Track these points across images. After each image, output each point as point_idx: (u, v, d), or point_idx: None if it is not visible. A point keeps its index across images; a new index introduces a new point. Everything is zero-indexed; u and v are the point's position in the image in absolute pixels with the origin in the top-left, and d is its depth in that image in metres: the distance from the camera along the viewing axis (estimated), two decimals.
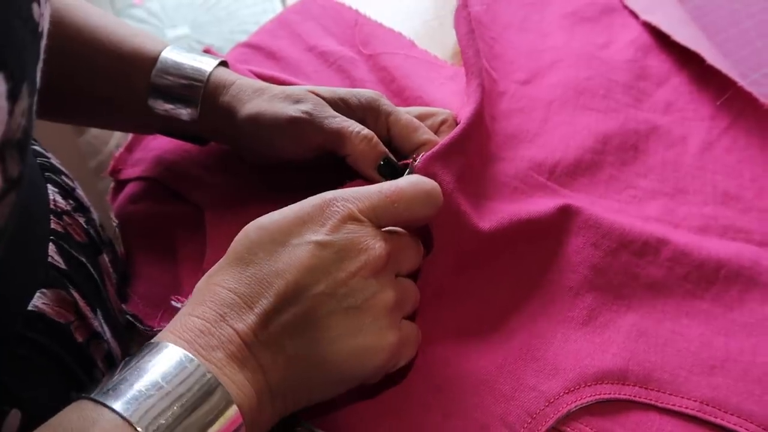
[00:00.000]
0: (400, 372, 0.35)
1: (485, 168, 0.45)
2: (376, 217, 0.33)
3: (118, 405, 0.25)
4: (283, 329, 0.29)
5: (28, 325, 0.31)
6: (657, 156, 0.47)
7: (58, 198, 0.38)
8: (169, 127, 0.43)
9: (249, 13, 1.31)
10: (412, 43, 0.58)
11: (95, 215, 0.44)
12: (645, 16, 0.59)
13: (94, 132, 0.87)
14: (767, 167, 0.47)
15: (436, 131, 0.42)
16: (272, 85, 0.42)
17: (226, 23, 1.23)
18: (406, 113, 0.41)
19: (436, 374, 0.36)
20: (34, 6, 0.25)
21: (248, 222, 0.32)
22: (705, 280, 0.40)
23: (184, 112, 0.41)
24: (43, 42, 0.27)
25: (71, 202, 0.40)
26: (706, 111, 0.52)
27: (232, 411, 0.27)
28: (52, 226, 0.36)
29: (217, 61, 0.42)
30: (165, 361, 0.27)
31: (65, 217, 0.38)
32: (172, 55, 0.41)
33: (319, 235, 0.31)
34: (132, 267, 0.44)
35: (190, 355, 0.27)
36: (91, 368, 0.35)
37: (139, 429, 0.25)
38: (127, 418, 0.25)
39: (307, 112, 0.39)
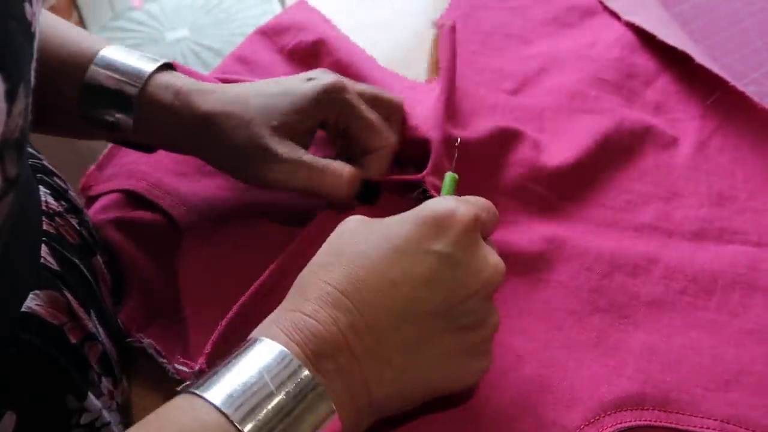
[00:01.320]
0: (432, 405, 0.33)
1: (481, 181, 0.45)
2: (484, 230, 0.32)
3: (219, 400, 0.25)
4: (395, 345, 0.29)
5: (22, 327, 0.31)
6: (650, 158, 0.47)
7: (50, 199, 0.38)
8: (110, 135, 0.42)
9: (248, 15, 1.31)
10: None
11: (88, 217, 0.43)
12: (627, 17, 0.59)
13: None
14: (759, 167, 0.47)
15: (387, 119, 0.42)
16: (224, 109, 0.38)
17: (225, 25, 1.23)
18: (365, 106, 0.40)
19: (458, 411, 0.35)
20: (26, 6, 0.25)
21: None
22: (704, 291, 0.40)
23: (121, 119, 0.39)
24: (36, 42, 0.27)
25: (63, 203, 0.40)
26: (696, 111, 0.52)
27: (335, 426, 0.27)
28: (45, 227, 0.36)
29: (156, 64, 0.39)
30: (275, 364, 0.26)
31: (57, 219, 0.38)
32: (108, 56, 0.39)
33: (440, 245, 0.29)
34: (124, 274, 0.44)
35: (301, 362, 0.27)
36: (86, 369, 0.34)
37: (240, 428, 0.25)
38: (228, 415, 0.25)
39: (271, 168, 0.38)
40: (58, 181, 0.41)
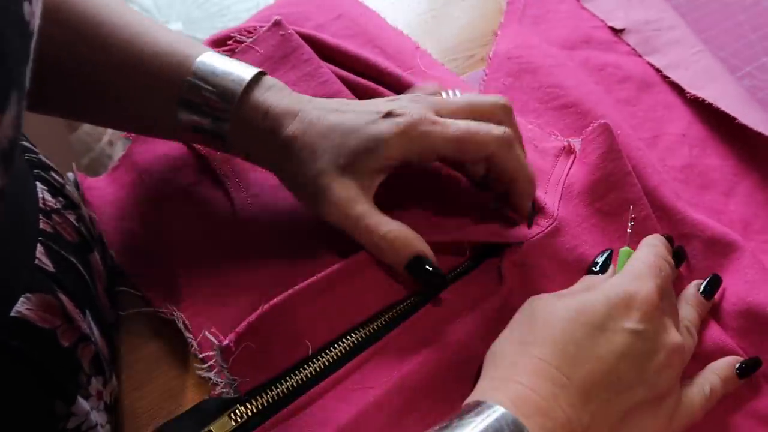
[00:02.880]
0: None
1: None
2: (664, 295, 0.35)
3: None
4: (605, 417, 0.31)
5: (11, 333, 0.30)
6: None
7: (47, 196, 0.37)
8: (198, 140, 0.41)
9: (242, 8, 1.30)
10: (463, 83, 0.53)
11: (85, 212, 0.43)
12: (694, 91, 0.52)
13: (87, 128, 0.86)
14: None
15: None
16: (298, 136, 0.37)
17: (218, 19, 1.21)
18: (456, 140, 0.36)
19: None
20: (26, 5, 0.24)
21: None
22: None
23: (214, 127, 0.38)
24: (33, 40, 0.26)
25: (61, 199, 0.39)
26: None
27: None
28: (41, 226, 0.35)
29: (253, 73, 0.38)
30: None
31: (54, 216, 0.37)
32: (207, 62, 0.38)
33: (632, 323, 0.32)
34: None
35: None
36: (76, 372, 0.34)
37: None
38: None
39: (326, 207, 0.36)
40: (55, 176, 0.40)
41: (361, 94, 0.47)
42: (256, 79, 0.38)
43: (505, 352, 0.32)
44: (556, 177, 0.44)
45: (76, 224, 0.39)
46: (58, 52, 0.37)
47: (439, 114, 0.37)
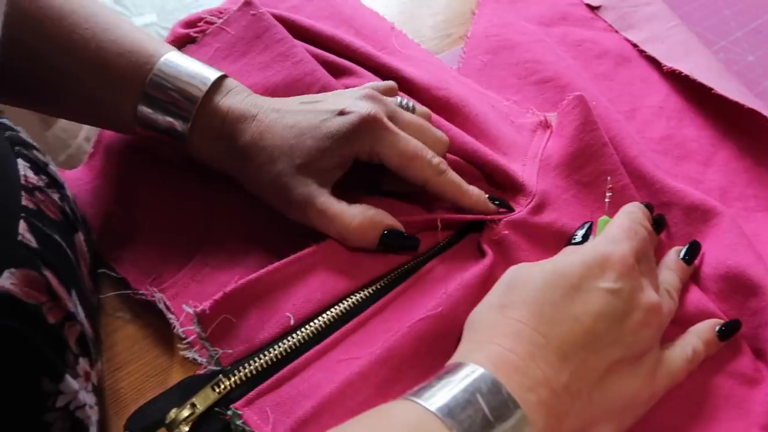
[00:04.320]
0: None
1: None
2: (638, 255, 0.35)
3: (436, 408, 0.27)
4: (584, 376, 0.31)
5: None
6: None
7: (30, 173, 0.37)
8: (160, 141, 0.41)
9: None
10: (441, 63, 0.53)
11: (69, 192, 0.42)
12: (670, 64, 0.52)
13: (63, 124, 0.85)
14: None
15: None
16: (256, 141, 0.38)
17: (192, 9, 1.20)
18: (404, 139, 0.38)
19: None
20: None
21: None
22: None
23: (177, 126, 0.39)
24: None
25: (44, 177, 0.38)
26: None
27: None
28: (24, 202, 0.34)
29: (216, 75, 0.39)
30: (488, 393, 0.28)
31: (37, 193, 0.36)
32: (171, 61, 0.39)
33: (608, 283, 0.32)
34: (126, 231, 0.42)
35: (511, 393, 0.28)
36: (63, 350, 0.33)
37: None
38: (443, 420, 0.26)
39: (290, 205, 0.37)
40: (37, 154, 0.40)
41: (334, 72, 0.46)
42: (218, 81, 0.39)
43: (484, 317, 0.33)
44: (533, 151, 0.44)
45: (60, 203, 0.39)
46: (21, 38, 0.37)
47: (391, 119, 0.38)
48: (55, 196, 0.38)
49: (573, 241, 0.39)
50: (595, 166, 0.42)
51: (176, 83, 0.38)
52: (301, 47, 0.46)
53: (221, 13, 0.48)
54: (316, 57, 0.46)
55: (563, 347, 0.30)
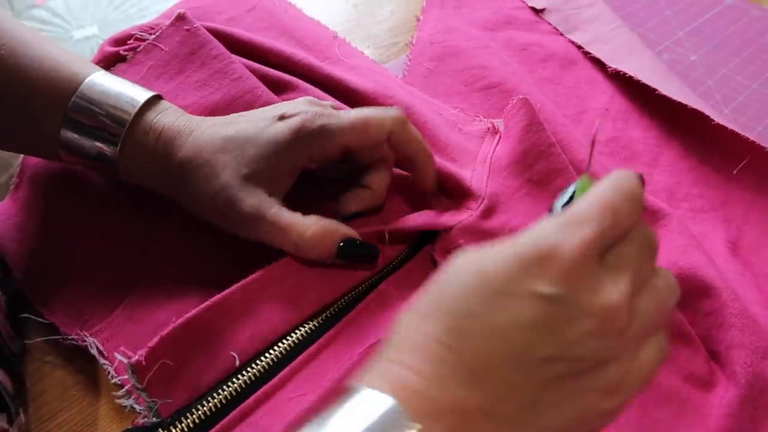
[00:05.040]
0: None
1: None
2: (604, 245, 0.27)
3: None
4: (509, 399, 0.26)
5: None
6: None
7: None
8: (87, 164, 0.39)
9: (163, 8, 1.26)
10: (387, 71, 0.52)
11: None
12: (615, 65, 0.52)
13: None
14: None
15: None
16: (197, 155, 0.36)
17: (138, 21, 1.17)
18: (349, 125, 0.36)
19: None
20: None
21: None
22: None
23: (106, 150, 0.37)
24: None
25: None
26: (718, 194, 0.45)
27: None
28: None
29: (147, 96, 0.37)
30: (382, 423, 0.24)
31: None
32: (98, 83, 0.37)
33: (545, 286, 0.25)
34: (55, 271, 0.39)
35: (410, 421, 0.24)
36: None
37: None
38: None
39: (236, 221, 0.35)
40: None
41: (275, 88, 0.45)
42: (150, 102, 0.37)
43: (403, 326, 0.28)
44: (482, 155, 0.43)
45: None
46: None
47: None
48: None
49: (556, 208, 0.31)
50: (544, 165, 0.42)
51: (103, 107, 0.36)
52: (239, 63, 0.44)
53: (152, 29, 0.46)
54: (256, 72, 0.45)
55: (478, 366, 0.26)
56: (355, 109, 0.38)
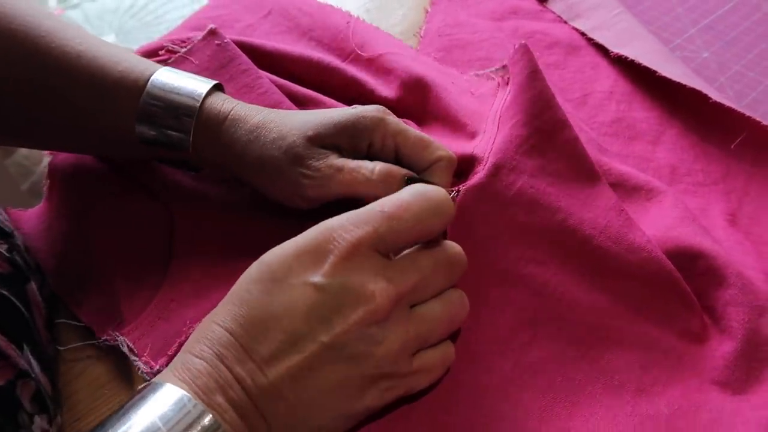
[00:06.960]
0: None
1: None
2: (384, 243, 0.30)
3: None
4: (282, 377, 0.28)
5: None
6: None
7: None
8: (160, 154, 0.41)
9: (178, 15, 1.28)
10: (401, 43, 0.55)
11: (19, 239, 0.41)
12: (617, 50, 0.54)
13: (24, 152, 0.82)
14: None
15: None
16: (266, 122, 0.38)
17: (154, 28, 1.19)
18: (414, 131, 0.38)
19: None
20: None
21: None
22: None
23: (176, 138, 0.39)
24: None
25: None
26: (718, 168, 0.47)
27: None
28: None
29: (209, 86, 0.39)
30: (163, 402, 0.27)
31: None
32: (162, 79, 0.39)
33: (317, 277, 0.29)
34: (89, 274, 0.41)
35: (191, 396, 0.27)
36: (15, 412, 0.32)
37: None
38: None
39: (306, 175, 0.37)
40: None
41: (299, 102, 0.47)
42: (216, 88, 0.40)
43: (200, 324, 0.31)
44: (493, 112, 0.44)
45: (8, 254, 0.37)
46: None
47: None
48: (3, 248, 0.37)
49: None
50: (550, 114, 0.41)
51: (172, 95, 0.38)
52: (266, 78, 0.46)
53: (184, 42, 0.48)
54: (281, 88, 0.47)
55: (258, 348, 0.28)
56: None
